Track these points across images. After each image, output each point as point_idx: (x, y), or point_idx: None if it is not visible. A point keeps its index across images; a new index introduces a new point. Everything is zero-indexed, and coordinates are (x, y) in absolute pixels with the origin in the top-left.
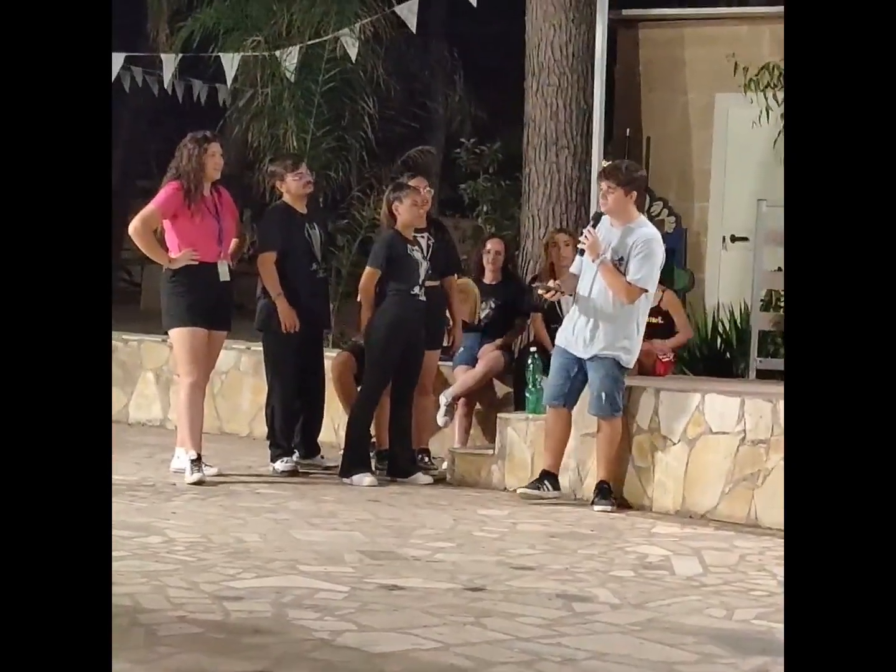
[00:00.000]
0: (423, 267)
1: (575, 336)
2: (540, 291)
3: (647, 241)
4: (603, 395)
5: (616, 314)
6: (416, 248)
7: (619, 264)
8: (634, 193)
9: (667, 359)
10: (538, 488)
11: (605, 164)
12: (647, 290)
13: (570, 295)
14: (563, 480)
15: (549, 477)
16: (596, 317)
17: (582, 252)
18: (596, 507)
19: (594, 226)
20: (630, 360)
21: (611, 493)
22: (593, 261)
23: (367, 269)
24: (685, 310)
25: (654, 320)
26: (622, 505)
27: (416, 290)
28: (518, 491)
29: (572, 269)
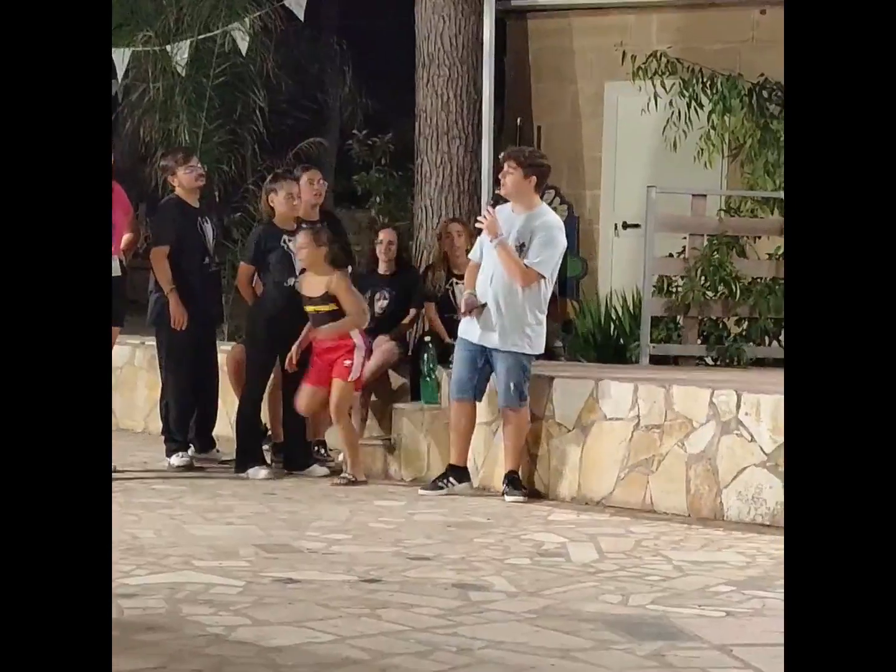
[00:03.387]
0: None
1: (482, 325)
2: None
3: (550, 227)
4: (512, 385)
5: (518, 301)
6: (295, 239)
7: (519, 250)
8: (534, 178)
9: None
10: (440, 487)
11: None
12: (543, 276)
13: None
14: None
15: (455, 471)
16: (498, 305)
17: (479, 231)
18: (508, 499)
19: (493, 206)
20: (536, 347)
21: (521, 482)
22: (491, 241)
23: (240, 264)
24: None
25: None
26: (533, 494)
27: (292, 281)
28: (419, 492)
29: (471, 257)
